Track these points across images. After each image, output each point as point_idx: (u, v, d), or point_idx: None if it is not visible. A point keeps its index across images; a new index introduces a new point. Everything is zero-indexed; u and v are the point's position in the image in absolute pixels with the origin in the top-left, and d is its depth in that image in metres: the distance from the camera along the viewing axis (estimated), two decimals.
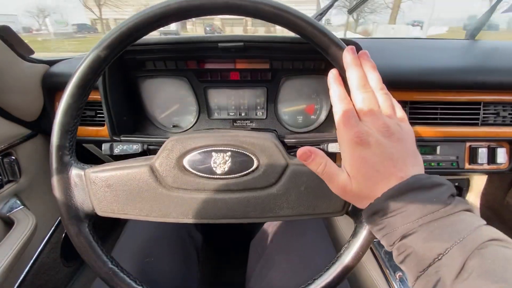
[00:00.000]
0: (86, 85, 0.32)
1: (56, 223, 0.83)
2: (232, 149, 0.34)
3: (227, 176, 0.34)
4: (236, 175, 0.34)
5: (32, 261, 0.74)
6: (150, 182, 0.34)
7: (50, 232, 0.80)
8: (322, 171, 0.30)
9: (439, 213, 0.24)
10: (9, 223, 0.65)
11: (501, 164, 0.78)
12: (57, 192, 0.33)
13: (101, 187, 0.34)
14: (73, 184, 0.34)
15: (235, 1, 0.29)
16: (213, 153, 0.34)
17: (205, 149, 0.34)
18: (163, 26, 0.32)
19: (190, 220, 0.35)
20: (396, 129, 0.28)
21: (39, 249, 0.76)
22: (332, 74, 0.32)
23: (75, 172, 0.34)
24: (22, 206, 0.68)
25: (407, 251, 0.25)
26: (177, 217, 0.35)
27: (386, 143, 0.27)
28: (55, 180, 0.33)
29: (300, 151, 0.30)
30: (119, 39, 0.31)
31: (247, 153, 0.34)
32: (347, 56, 0.31)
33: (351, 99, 0.31)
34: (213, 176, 0.34)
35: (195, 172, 0.34)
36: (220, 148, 0.34)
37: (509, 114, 0.72)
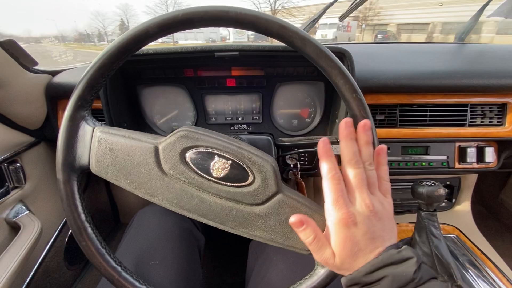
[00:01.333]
0: (124, 52, 0.34)
1: (60, 227, 0.86)
2: (234, 159, 0.36)
3: (220, 182, 0.35)
4: (228, 183, 0.36)
5: (37, 264, 0.76)
6: (149, 161, 0.35)
7: (54, 236, 0.83)
8: (310, 243, 0.33)
9: (415, 283, 0.28)
10: (15, 228, 0.67)
11: (489, 163, 0.80)
12: (61, 137, 0.35)
13: (103, 149, 0.36)
14: (80, 135, 0.36)
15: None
16: (216, 157, 0.36)
17: (210, 150, 0.36)
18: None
19: (171, 207, 0.37)
20: (379, 208, 0.32)
21: (44, 253, 0.79)
22: (322, 146, 0.33)
23: (85, 125, 0.36)
24: (28, 211, 0.70)
25: None
26: (162, 200, 0.36)
27: (369, 222, 0.31)
28: (63, 126, 0.35)
29: (294, 218, 0.33)
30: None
31: (246, 168, 0.36)
32: (344, 130, 0.33)
33: (340, 170, 0.34)
34: (207, 177, 0.35)
35: (193, 167, 0.35)
36: (223, 154, 0.36)
37: (495, 115, 0.75)
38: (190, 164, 0.35)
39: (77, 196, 0.36)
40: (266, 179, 0.36)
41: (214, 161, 0.35)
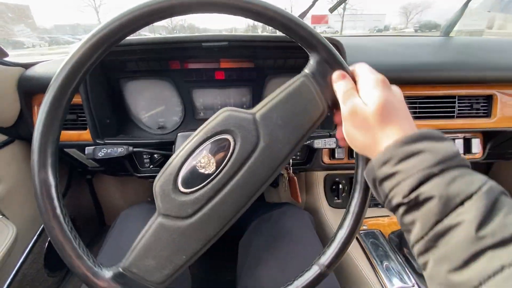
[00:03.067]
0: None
1: (38, 232, 0.80)
2: (204, 145, 0.34)
3: (220, 168, 0.33)
4: (225, 161, 0.34)
5: (14, 272, 0.70)
6: (171, 228, 0.33)
7: (32, 242, 0.77)
8: (347, 90, 0.32)
9: (457, 160, 0.25)
10: None
11: (475, 153, 0.82)
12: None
13: (141, 264, 0.33)
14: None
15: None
16: (193, 162, 0.34)
17: (186, 164, 0.34)
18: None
19: (226, 226, 0.35)
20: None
21: (21, 260, 0.73)
22: (336, 75, 0.34)
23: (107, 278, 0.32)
24: (1, 216, 0.65)
25: (426, 198, 0.24)
26: (214, 232, 0.34)
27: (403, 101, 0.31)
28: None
29: (336, 73, 0.34)
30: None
31: (216, 138, 0.34)
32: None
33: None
34: (211, 178, 0.33)
35: (195, 188, 0.33)
36: (195, 153, 0.34)
37: (482, 106, 0.77)
38: (190, 190, 0.34)
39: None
40: (236, 122, 0.34)
41: (197, 165, 0.34)
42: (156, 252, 0.33)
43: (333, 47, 0.34)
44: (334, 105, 0.35)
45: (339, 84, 0.33)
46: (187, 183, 0.33)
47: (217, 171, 0.33)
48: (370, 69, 0.32)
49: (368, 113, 0.29)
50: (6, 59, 0.63)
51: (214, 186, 0.33)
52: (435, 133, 0.26)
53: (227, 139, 0.34)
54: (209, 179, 0.33)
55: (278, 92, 0.35)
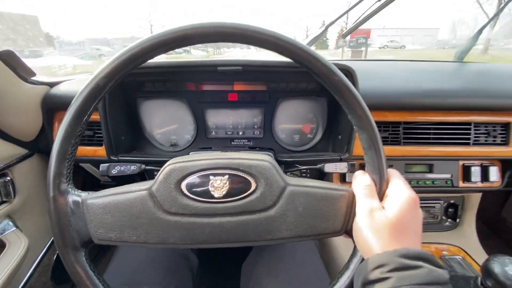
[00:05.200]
0: (84, 113, 0.32)
1: (48, 244, 0.81)
2: (229, 172, 0.34)
3: (225, 200, 0.34)
4: (234, 198, 0.34)
5: (22, 284, 0.71)
6: (148, 207, 0.33)
7: (41, 255, 0.78)
8: (366, 185, 0.34)
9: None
10: (1, 246, 0.63)
11: (494, 182, 0.79)
12: (53, 220, 0.33)
13: (98, 214, 0.34)
14: (70, 211, 0.34)
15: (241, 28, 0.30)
16: (211, 177, 0.34)
17: (203, 173, 0.34)
18: (161, 54, 0.33)
19: (188, 246, 0.35)
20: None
21: (29, 272, 0.74)
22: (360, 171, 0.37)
23: (72, 199, 0.34)
24: (15, 228, 0.67)
25: None
26: (175, 242, 0.34)
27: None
28: (52, 208, 0.33)
29: (357, 172, 0.36)
30: (119, 67, 0.31)
31: (245, 176, 0.34)
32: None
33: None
34: (211, 200, 0.34)
35: (193, 196, 0.34)
36: (218, 172, 0.34)
37: (499, 134, 0.75)
38: (189, 194, 0.34)
39: (91, 274, 0.34)
40: (269, 179, 0.34)
41: (211, 182, 0.34)
42: (118, 213, 0.34)
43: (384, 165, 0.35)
44: (350, 236, 0.36)
45: (361, 178, 0.35)
46: (191, 186, 0.34)
47: (222, 200, 0.34)
48: (405, 182, 0.34)
49: (384, 219, 0.31)
50: (34, 78, 0.67)
51: (209, 209, 0.34)
52: (435, 259, 0.29)
53: (250, 184, 0.34)
54: (211, 200, 0.34)
55: (321, 185, 0.36)
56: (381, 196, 0.34)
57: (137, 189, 0.34)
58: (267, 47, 0.32)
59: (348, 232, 0.36)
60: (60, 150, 0.32)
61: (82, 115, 0.32)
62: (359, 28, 0.78)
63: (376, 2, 0.71)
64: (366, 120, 0.33)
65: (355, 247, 0.36)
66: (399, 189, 0.33)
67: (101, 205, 0.34)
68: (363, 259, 0.35)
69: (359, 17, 0.75)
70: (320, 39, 0.88)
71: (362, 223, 0.33)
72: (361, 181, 0.35)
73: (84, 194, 0.34)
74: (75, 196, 0.34)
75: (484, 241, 0.94)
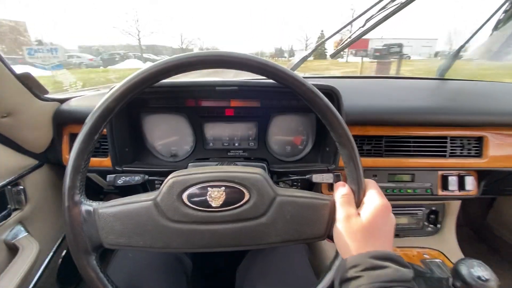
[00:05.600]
0: (96, 132, 0.37)
1: (55, 248, 0.86)
2: (225, 184, 0.39)
3: (222, 209, 0.38)
4: (230, 207, 0.38)
5: (31, 285, 0.76)
6: (153, 216, 0.38)
7: (49, 257, 0.83)
8: (344, 194, 0.39)
9: (409, 284, 0.31)
10: (13, 250, 0.68)
11: (470, 190, 0.86)
12: (68, 228, 0.37)
13: (109, 222, 0.38)
14: (83, 220, 0.37)
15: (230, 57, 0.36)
16: (209, 188, 0.39)
17: (202, 185, 0.39)
18: (169, 77, 0.38)
19: (189, 250, 0.39)
20: None
21: (38, 274, 0.79)
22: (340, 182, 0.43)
23: (84, 209, 0.38)
24: (26, 233, 0.72)
25: None
26: (177, 247, 0.39)
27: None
28: (67, 217, 0.37)
29: (338, 184, 0.41)
30: (127, 91, 0.36)
31: (239, 187, 0.39)
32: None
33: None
34: (209, 209, 0.38)
35: (193, 206, 0.38)
36: (215, 184, 0.39)
37: (473, 147, 0.81)
38: (189, 204, 0.38)
39: (101, 276, 0.39)
40: (261, 190, 0.39)
41: (209, 193, 0.39)
42: (127, 221, 0.38)
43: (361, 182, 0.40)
44: (333, 240, 0.41)
45: (340, 189, 0.41)
46: (191, 197, 0.38)
47: (219, 209, 0.39)
48: (379, 191, 0.39)
49: (359, 224, 0.36)
50: (46, 95, 0.73)
51: (208, 218, 0.38)
52: (401, 259, 0.34)
53: (244, 194, 0.39)
54: (209, 209, 0.38)
55: (306, 195, 0.41)
56: (358, 204, 0.39)
57: (144, 200, 0.39)
58: (256, 72, 0.37)
59: (330, 236, 0.41)
60: (74, 164, 0.37)
61: (94, 134, 0.37)
62: (352, 38, 0.81)
63: (378, 12, 0.74)
64: (346, 138, 0.39)
65: (336, 250, 0.41)
66: (373, 198, 0.38)
67: (111, 214, 0.38)
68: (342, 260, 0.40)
69: (357, 30, 0.79)
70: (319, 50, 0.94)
71: (340, 228, 0.37)
72: (341, 191, 0.40)
73: (95, 204, 0.39)
74: (88, 206, 0.38)
75: (469, 246, 1.01)
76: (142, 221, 0.38)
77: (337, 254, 0.41)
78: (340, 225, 0.38)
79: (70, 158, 0.37)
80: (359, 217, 0.37)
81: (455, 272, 0.58)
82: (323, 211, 0.40)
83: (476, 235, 1.38)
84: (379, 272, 0.32)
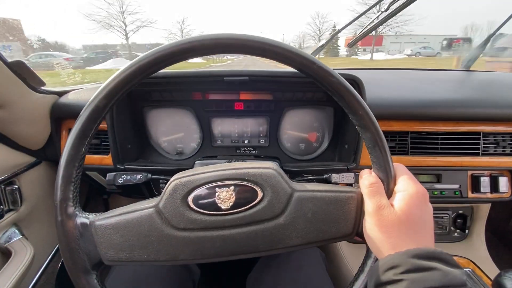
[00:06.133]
0: (86, 135, 0.32)
1: (52, 252, 0.81)
2: (235, 182, 0.34)
3: (233, 211, 0.33)
4: (241, 208, 0.34)
5: None
6: (156, 225, 0.33)
7: (46, 262, 0.78)
8: (372, 183, 0.33)
9: None
10: (6, 254, 0.63)
11: (503, 193, 0.78)
12: (63, 244, 0.33)
13: (107, 235, 0.33)
14: (79, 234, 0.33)
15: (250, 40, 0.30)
16: (217, 189, 0.34)
17: (208, 185, 0.34)
18: (162, 69, 0.33)
19: (199, 261, 0.34)
20: None
21: (34, 280, 0.74)
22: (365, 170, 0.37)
23: (80, 222, 0.33)
24: (21, 236, 0.67)
25: None
26: (186, 258, 0.34)
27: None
28: (61, 233, 0.32)
29: (362, 172, 0.36)
30: (118, 87, 0.31)
31: (250, 185, 0.34)
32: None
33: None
34: (218, 213, 0.33)
35: (200, 210, 0.33)
36: (223, 183, 0.34)
37: (509, 144, 0.74)
38: (196, 208, 0.33)
39: None
40: (275, 186, 0.34)
41: (217, 194, 0.34)
42: (127, 233, 0.33)
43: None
44: (362, 238, 0.36)
45: (366, 178, 0.35)
46: (197, 200, 0.34)
47: (230, 212, 0.33)
48: (412, 177, 0.33)
49: (393, 217, 0.30)
50: (43, 87, 0.68)
51: (218, 222, 0.33)
52: (450, 258, 0.28)
53: (257, 193, 0.34)
54: (218, 212, 0.33)
55: (328, 189, 0.36)
56: (389, 194, 0.34)
57: (144, 207, 0.34)
58: (255, 54, 0.32)
59: (360, 234, 0.36)
60: (64, 174, 0.32)
61: (84, 138, 0.32)
62: (369, 35, 0.77)
63: (386, 8, 0.69)
64: (368, 119, 0.33)
65: (368, 248, 0.35)
66: (406, 184, 0.32)
67: (109, 226, 0.34)
68: (377, 260, 0.34)
69: (366, 26, 0.75)
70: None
71: (371, 221, 0.32)
72: (367, 180, 0.34)
73: (91, 216, 0.34)
74: (83, 218, 0.34)
75: (493, 252, 0.92)
76: (144, 232, 0.33)
77: (369, 252, 0.36)
78: (370, 219, 0.32)
79: (59, 167, 0.32)
80: (392, 208, 0.31)
81: (498, 286, 0.51)
82: (349, 206, 0.35)
83: (500, 241, 1.28)
84: (424, 275, 0.26)
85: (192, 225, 0.33)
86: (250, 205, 0.34)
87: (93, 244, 0.33)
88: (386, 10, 0.66)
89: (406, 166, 0.76)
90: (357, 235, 0.36)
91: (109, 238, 0.33)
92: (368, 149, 0.35)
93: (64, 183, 0.32)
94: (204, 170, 0.35)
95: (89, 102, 0.32)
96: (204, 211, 0.33)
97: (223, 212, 0.33)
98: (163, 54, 0.30)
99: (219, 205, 0.34)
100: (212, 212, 0.33)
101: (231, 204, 0.34)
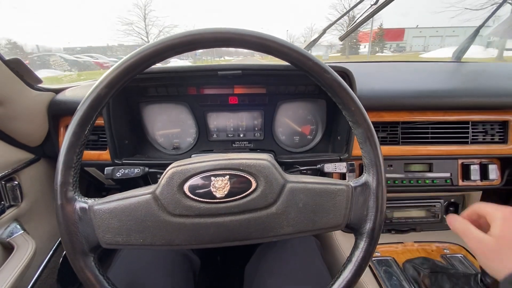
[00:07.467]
0: (87, 122, 0.34)
1: (54, 247, 0.83)
2: (230, 172, 0.35)
3: (227, 199, 0.35)
4: (235, 197, 0.35)
5: (29, 286, 0.72)
6: (153, 211, 0.34)
7: (48, 257, 0.80)
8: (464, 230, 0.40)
9: None
10: (9, 248, 0.64)
11: (493, 180, 0.80)
12: (62, 227, 0.34)
13: (105, 219, 0.35)
14: (78, 218, 0.34)
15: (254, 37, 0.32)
16: (212, 178, 0.35)
17: (204, 174, 0.35)
18: (159, 62, 0.34)
19: (194, 246, 0.36)
20: None
21: (37, 274, 0.75)
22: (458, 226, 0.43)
23: (79, 206, 0.34)
24: (22, 231, 0.68)
25: None
26: (181, 243, 0.35)
27: None
28: (60, 216, 0.34)
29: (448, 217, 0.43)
30: (119, 76, 0.33)
31: (245, 175, 0.35)
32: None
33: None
34: (213, 201, 0.35)
35: (196, 197, 0.35)
36: (219, 172, 0.35)
37: (497, 132, 0.75)
38: (192, 196, 0.35)
39: (101, 278, 0.35)
40: (268, 177, 0.35)
41: (212, 183, 0.35)
42: (124, 218, 0.34)
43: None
44: (352, 229, 0.38)
45: (455, 222, 0.43)
46: (193, 188, 0.35)
47: (224, 200, 0.35)
48: (491, 204, 0.39)
49: (493, 244, 0.35)
50: (40, 85, 0.69)
51: (212, 210, 0.35)
52: None
53: (251, 183, 0.35)
54: (213, 200, 0.35)
55: (320, 181, 0.37)
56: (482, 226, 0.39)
57: (142, 193, 0.35)
58: (253, 48, 0.33)
59: (349, 226, 0.37)
60: (65, 159, 0.33)
61: (86, 125, 0.34)
62: (389, 28, 0.78)
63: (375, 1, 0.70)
64: (360, 115, 0.35)
65: (356, 239, 0.37)
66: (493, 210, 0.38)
67: (107, 211, 0.35)
68: (366, 251, 0.36)
69: (355, 20, 0.76)
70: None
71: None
72: (457, 224, 0.42)
73: (90, 201, 0.35)
74: (82, 203, 0.35)
75: None
76: (141, 217, 0.34)
77: (357, 243, 0.38)
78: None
79: (61, 152, 0.33)
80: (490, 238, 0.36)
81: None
82: (340, 198, 0.36)
83: None
84: None
85: (188, 211, 0.35)
86: (244, 194, 0.35)
87: (91, 227, 0.34)
88: (375, 3, 0.67)
89: (397, 156, 0.78)
90: (347, 227, 0.37)
91: (107, 222, 0.34)
92: (359, 144, 0.37)
93: (65, 167, 0.33)
94: (200, 160, 0.36)
95: (91, 91, 0.33)
96: (199, 199, 0.35)
97: (217, 200, 0.35)
98: (163, 46, 0.32)
99: (214, 193, 0.35)
100: (207, 200, 0.35)
101: (225, 192, 0.35)
